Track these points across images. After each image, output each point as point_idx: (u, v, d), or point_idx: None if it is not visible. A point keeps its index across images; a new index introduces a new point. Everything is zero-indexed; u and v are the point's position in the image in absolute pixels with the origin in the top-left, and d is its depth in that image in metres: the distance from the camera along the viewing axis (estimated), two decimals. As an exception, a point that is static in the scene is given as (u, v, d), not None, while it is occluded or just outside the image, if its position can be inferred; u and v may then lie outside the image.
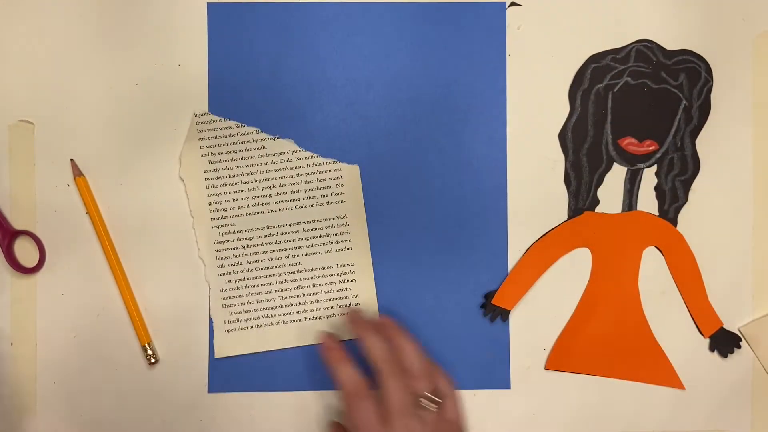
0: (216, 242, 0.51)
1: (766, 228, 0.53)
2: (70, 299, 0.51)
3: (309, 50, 0.51)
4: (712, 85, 0.52)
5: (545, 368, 0.52)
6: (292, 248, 0.52)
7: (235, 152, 0.51)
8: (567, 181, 0.52)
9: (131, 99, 0.51)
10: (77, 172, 0.50)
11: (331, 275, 0.52)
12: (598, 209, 0.52)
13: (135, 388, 0.51)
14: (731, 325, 0.53)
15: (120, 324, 0.51)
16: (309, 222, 0.52)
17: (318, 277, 0.52)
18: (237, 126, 0.51)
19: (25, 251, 0.51)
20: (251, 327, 0.51)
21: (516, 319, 0.52)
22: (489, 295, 0.52)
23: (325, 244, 0.52)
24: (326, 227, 0.52)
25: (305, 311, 0.52)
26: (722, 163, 0.53)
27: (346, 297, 0.52)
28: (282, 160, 0.51)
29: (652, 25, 0.52)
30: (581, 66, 0.52)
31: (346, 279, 0.52)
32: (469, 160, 0.52)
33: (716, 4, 0.52)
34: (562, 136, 0.52)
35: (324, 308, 0.52)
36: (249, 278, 0.51)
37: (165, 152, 0.51)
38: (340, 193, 0.52)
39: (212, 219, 0.51)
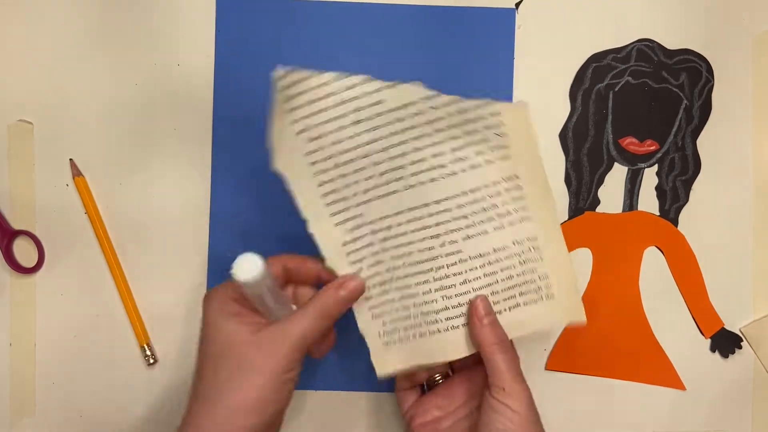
0: (345, 243, 0.40)
1: (766, 228, 0.53)
2: (70, 299, 0.51)
3: (316, 48, 0.51)
4: (713, 85, 0.52)
5: (545, 368, 0.52)
6: (446, 232, 0.39)
7: (343, 116, 0.38)
8: (567, 181, 0.52)
9: (131, 99, 0.51)
10: (77, 172, 0.50)
11: (506, 258, 0.40)
12: (598, 209, 0.52)
13: (134, 388, 0.51)
14: (732, 326, 0.53)
15: (119, 324, 0.50)
16: (465, 193, 0.39)
17: (488, 264, 0.40)
18: (336, 77, 0.38)
19: (24, 251, 0.50)
20: (414, 336, 0.41)
21: (516, 319, 0.52)
22: (489, 296, 0.52)
23: (492, 219, 0.39)
24: (489, 196, 0.39)
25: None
26: (723, 163, 0.53)
27: (533, 282, 0.40)
28: (410, 114, 0.38)
29: (653, 24, 0.52)
30: (582, 65, 0.52)
31: (528, 259, 0.40)
32: None
33: (717, 4, 0.52)
34: (562, 135, 0.52)
35: (504, 300, 0.40)
36: (399, 277, 0.40)
37: (165, 152, 0.51)
38: (504, 147, 0.39)
39: (331, 215, 0.40)
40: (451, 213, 0.39)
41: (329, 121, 0.38)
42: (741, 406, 0.52)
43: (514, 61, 0.52)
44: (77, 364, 0.50)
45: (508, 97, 0.52)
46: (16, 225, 0.50)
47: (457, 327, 0.40)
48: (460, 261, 0.40)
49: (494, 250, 0.40)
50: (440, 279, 0.40)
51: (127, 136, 0.51)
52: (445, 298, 0.40)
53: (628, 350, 0.52)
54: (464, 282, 0.40)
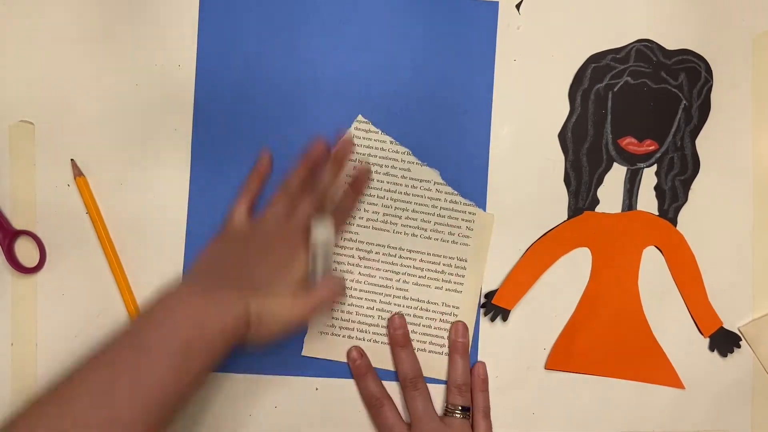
0: (336, 245, 0.51)
1: (766, 228, 0.53)
2: (70, 299, 0.51)
3: (299, 37, 0.51)
4: (711, 85, 0.52)
5: (545, 368, 0.52)
6: (405, 273, 0.51)
7: (381, 166, 0.51)
8: (567, 181, 0.52)
9: (131, 99, 0.51)
10: (77, 172, 0.50)
11: (434, 311, 0.52)
12: (598, 209, 0.52)
13: (135, 388, 0.51)
14: (731, 325, 0.53)
15: (120, 324, 0.50)
16: (429, 254, 0.51)
17: (421, 309, 0.52)
18: (391, 142, 0.51)
19: (25, 251, 0.51)
20: (343, 336, 0.51)
21: (516, 319, 0.52)
22: (489, 295, 0.52)
23: (438, 280, 0.52)
24: (444, 264, 0.52)
25: None
26: (722, 163, 0.53)
27: (442, 337, 0.52)
28: (422, 188, 0.51)
29: (652, 24, 0.52)
30: (581, 66, 0.52)
31: (446, 320, 0.52)
32: (452, 157, 0.52)
33: (716, 4, 0.52)
34: (562, 136, 0.52)
35: (418, 341, 0.52)
36: (356, 289, 0.51)
37: (165, 152, 0.51)
38: (468, 236, 0.51)
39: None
40: (414, 262, 0.52)
41: (372, 164, 0.51)
42: (740, 405, 0.53)
43: (511, 58, 0.52)
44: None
45: (488, 89, 0.52)
46: (17, 225, 0.50)
47: (378, 342, 0.51)
48: (403, 298, 0.52)
49: (428, 302, 0.52)
50: (383, 303, 0.52)
51: (128, 137, 0.51)
52: (379, 318, 0.52)
53: (627, 349, 0.52)
54: (397, 313, 0.51)
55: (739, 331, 0.53)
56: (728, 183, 0.53)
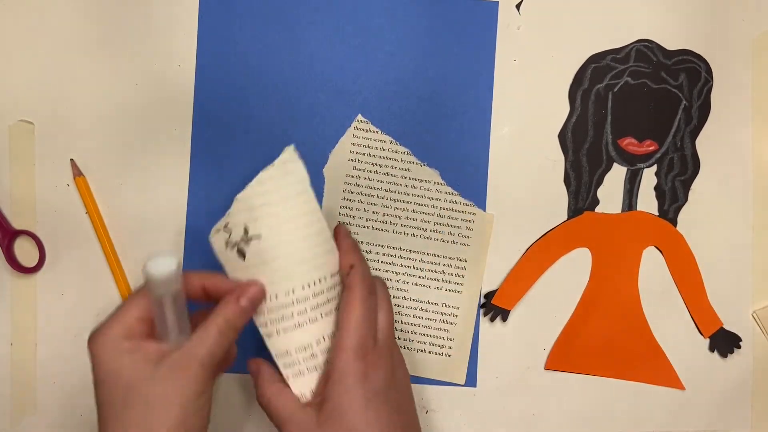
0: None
1: (766, 228, 0.53)
2: (70, 299, 0.51)
3: (299, 37, 0.51)
4: (712, 85, 0.52)
5: (545, 368, 0.52)
6: (405, 274, 0.51)
7: (381, 166, 0.51)
8: (567, 181, 0.52)
9: (131, 99, 0.51)
10: (77, 172, 0.50)
11: (433, 311, 0.52)
12: (598, 209, 0.52)
13: (135, 388, 0.51)
14: (731, 325, 0.53)
15: (120, 324, 0.51)
16: (428, 254, 0.51)
17: (421, 310, 0.52)
18: (391, 142, 0.51)
19: (25, 251, 0.51)
20: None
21: (516, 319, 0.52)
22: (489, 295, 0.52)
23: (438, 280, 0.51)
24: (444, 264, 0.51)
25: (398, 338, 0.51)
26: (722, 163, 0.53)
27: (442, 338, 0.52)
28: (422, 188, 0.51)
29: (652, 25, 0.52)
30: (581, 66, 0.52)
31: (446, 321, 0.52)
32: (452, 157, 0.52)
33: (716, 4, 0.52)
34: (562, 136, 0.52)
35: (418, 341, 0.52)
36: None
37: (165, 152, 0.51)
38: (468, 237, 0.51)
39: (338, 222, 0.51)
40: (414, 263, 0.52)
41: (372, 163, 0.51)
42: (740, 405, 0.53)
43: (511, 59, 0.52)
44: (78, 363, 0.50)
45: (488, 89, 0.52)
46: (17, 225, 0.51)
47: None
48: (403, 298, 0.52)
49: (428, 302, 0.52)
50: None
51: (128, 137, 0.51)
52: None
53: (627, 350, 0.52)
54: (398, 314, 0.51)
55: (754, 315, 0.52)
56: (728, 183, 0.53)
